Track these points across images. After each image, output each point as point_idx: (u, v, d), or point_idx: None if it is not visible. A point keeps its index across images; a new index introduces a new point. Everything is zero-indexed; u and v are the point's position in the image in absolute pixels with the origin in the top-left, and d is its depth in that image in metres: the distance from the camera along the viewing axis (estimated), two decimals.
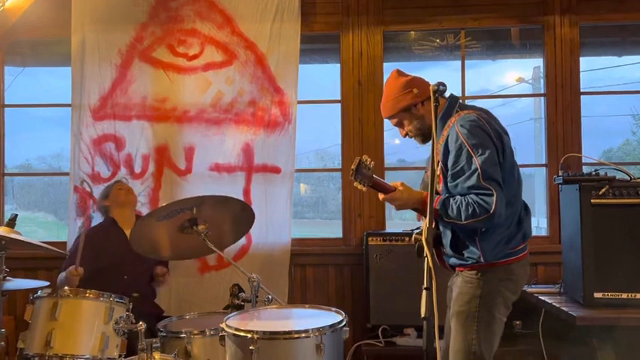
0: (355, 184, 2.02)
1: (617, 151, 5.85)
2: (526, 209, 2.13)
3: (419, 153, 4.02)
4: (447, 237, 2.10)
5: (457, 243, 2.07)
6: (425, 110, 2.09)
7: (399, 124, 2.20)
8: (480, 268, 2.04)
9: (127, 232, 3.01)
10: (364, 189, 2.04)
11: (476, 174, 1.94)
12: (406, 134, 2.19)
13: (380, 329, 3.13)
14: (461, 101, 2.17)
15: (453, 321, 2.09)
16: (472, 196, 1.94)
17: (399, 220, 4.85)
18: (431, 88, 1.86)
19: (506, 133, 2.11)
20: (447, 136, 2.04)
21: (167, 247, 2.62)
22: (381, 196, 2.11)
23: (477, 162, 1.94)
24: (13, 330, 3.19)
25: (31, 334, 2.23)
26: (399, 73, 2.18)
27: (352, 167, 2.00)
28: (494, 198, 1.90)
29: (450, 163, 2.02)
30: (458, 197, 1.98)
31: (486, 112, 2.13)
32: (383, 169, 3.49)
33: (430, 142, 1.97)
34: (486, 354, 2.03)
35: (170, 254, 2.83)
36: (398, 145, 4.53)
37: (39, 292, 2.30)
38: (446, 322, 2.19)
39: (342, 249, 3.50)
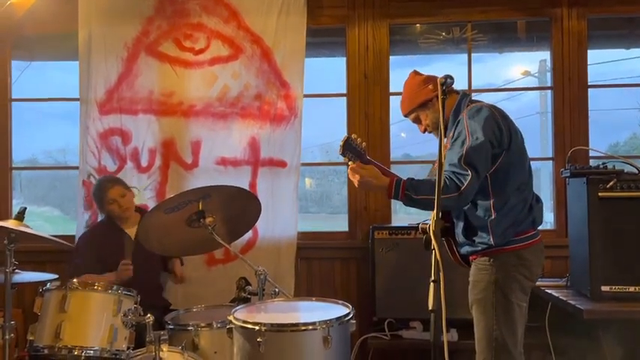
0: (345, 159, 2.09)
1: (624, 145, 5.80)
2: (538, 200, 2.19)
3: (424, 148, 4.02)
4: (459, 225, 2.14)
5: (469, 230, 2.12)
6: (439, 105, 2.12)
7: (417, 120, 2.29)
8: (491, 254, 2.09)
9: (128, 231, 2.99)
10: (354, 166, 2.11)
11: (460, 154, 2.01)
12: (425, 129, 2.28)
13: (386, 322, 3.13)
14: (472, 97, 2.24)
15: (473, 310, 2.14)
16: (449, 172, 2.00)
17: (404, 215, 4.83)
18: (438, 80, 1.92)
19: (514, 124, 2.16)
20: (456, 126, 2.12)
21: (175, 242, 2.63)
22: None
23: (466, 146, 2.01)
24: (23, 322, 3.22)
25: (40, 326, 2.25)
26: (416, 72, 2.30)
27: (340, 143, 2.06)
28: (469, 179, 1.97)
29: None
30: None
31: (494, 106, 2.18)
32: (389, 163, 3.49)
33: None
34: (509, 340, 2.06)
35: (178, 250, 2.83)
36: (404, 139, 4.51)
37: (48, 285, 2.31)
38: None
39: (348, 243, 3.50)
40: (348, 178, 3.46)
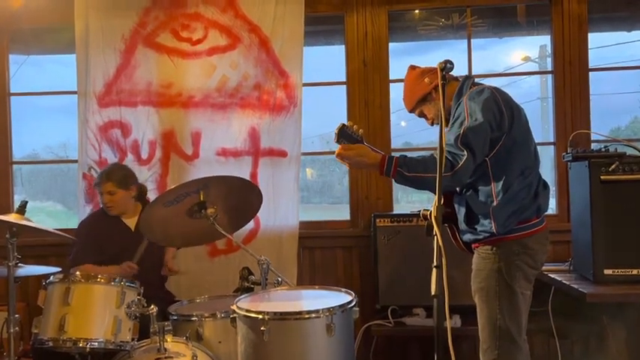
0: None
1: (625, 130, 5.76)
2: (545, 186, 2.14)
3: (424, 136, 4.00)
4: (461, 212, 2.12)
5: (470, 217, 2.09)
6: (440, 96, 2.10)
7: (422, 115, 2.26)
8: (494, 242, 2.06)
9: (127, 222, 2.98)
10: (340, 150, 2.07)
11: (457, 134, 1.98)
12: (432, 122, 2.25)
13: (389, 310, 3.14)
14: (475, 80, 2.20)
15: (475, 298, 2.12)
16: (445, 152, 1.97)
17: (406, 203, 4.83)
18: (438, 65, 1.88)
19: (518, 107, 2.13)
20: (457, 108, 2.10)
21: (177, 233, 2.62)
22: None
23: (464, 126, 1.98)
24: (27, 316, 3.23)
25: (44, 319, 2.26)
26: (412, 67, 2.26)
27: (335, 131, 2.05)
28: (464, 159, 1.93)
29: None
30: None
31: (497, 88, 2.14)
32: (389, 151, 3.48)
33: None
34: (513, 329, 2.05)
35: (181, 241, 2.83)
36: (404, 127, 4.50)
37: (51, 278, 2.32)
38: None
39: (350, 231, 3.50)
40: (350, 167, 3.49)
